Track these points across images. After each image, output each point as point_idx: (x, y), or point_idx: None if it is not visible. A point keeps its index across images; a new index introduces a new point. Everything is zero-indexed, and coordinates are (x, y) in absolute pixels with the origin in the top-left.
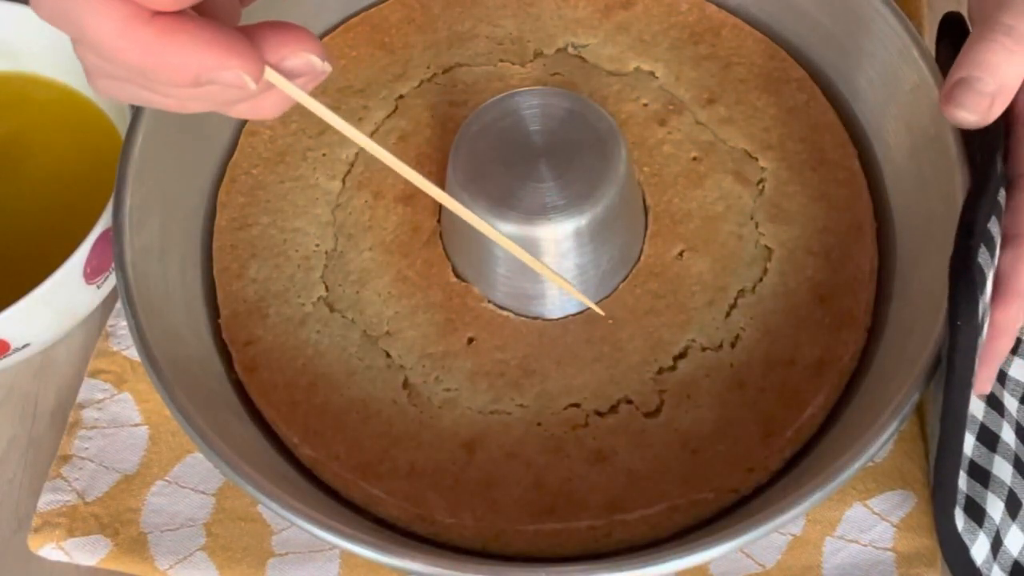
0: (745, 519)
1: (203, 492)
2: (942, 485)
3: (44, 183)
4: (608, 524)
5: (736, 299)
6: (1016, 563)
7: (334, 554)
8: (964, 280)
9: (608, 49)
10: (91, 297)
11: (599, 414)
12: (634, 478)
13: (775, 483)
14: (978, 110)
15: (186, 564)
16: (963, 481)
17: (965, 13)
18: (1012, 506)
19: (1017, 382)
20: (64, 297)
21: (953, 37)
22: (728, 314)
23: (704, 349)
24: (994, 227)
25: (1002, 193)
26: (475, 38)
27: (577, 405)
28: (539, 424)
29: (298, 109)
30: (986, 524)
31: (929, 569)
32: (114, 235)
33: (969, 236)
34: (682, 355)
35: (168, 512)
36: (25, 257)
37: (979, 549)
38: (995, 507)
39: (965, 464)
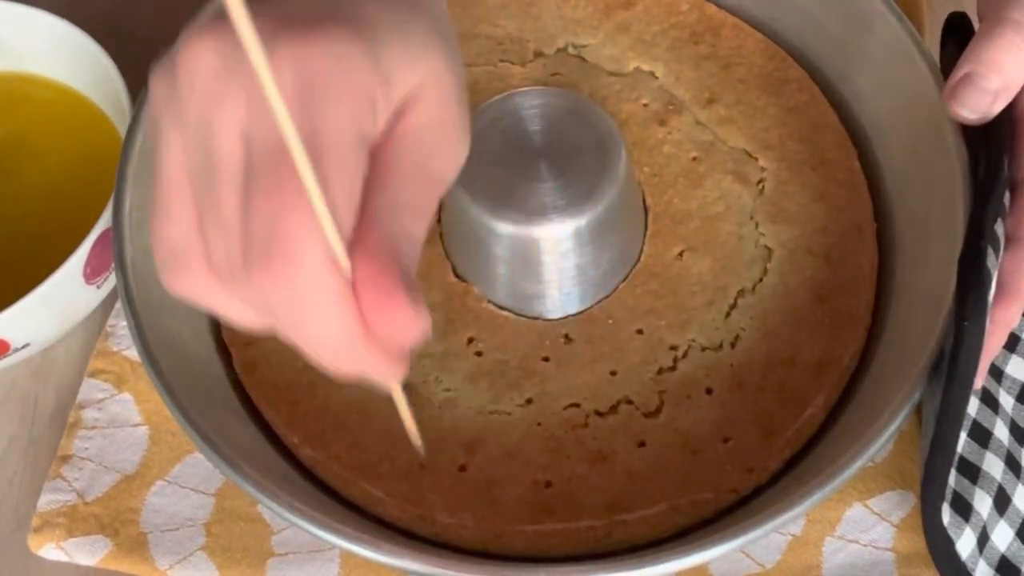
0: (745, 519)
1: (203, 492)
2: (933, 480)
3: (44, 183)
4: (608, 524)
5: (736, 299)
6: (1003, 558)
7: (334, 554)
8: (974, 280)
9: (608, 49)
10: (91, 297)
11: (599, 414)
12: (634, 478)
13: (775, 483)
14: (980, 107)
15: (186, 564)
16: (951, 477)
17: (971, 13)
18: (1000, 502)
19: (1014, 380)
20: (64, 297)
21: (958, 37)
22: (728, 314)
23: (704, 349)
24: (999, 228)
25: (1006, 195)
26: (475, 38)
27: (577, 405)
28: (539, 424)
29: None
30: (972, 519)
31: (929, 569)
32: (114, 235)
33: (979, 237)
34: (682, 355)
35: (168, 512)
36: (25, 257)
37: (964, 543)
38: (983, 503)
39: (954, 460)
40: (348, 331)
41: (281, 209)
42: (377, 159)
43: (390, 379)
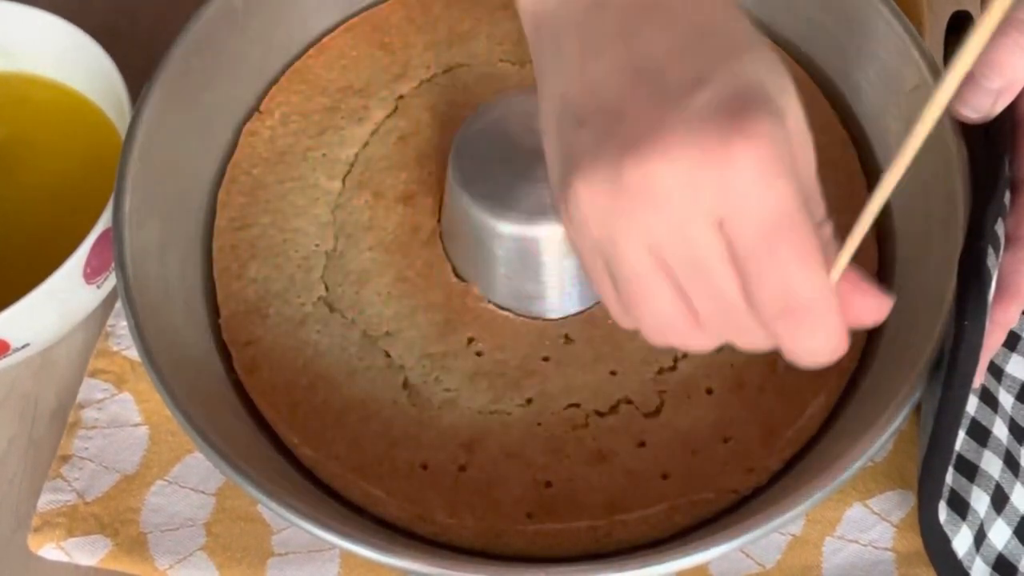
0: (745, 519)
1: (203, 492)
2: (930, 478)
3: (44, 183)
4: (608, 524)
5: None
6: (1000, 556)
7: (334, 554)
8: (974, 281)
9: None
10: (91, 297)
11: (599, 414)
12: (634, 478)
13: (775, 483)
14: (982, 106)
15: (186, 564)
16: (948, 475)
17: (973, 12)
18: (998, 500)
19: (1014, 379)
20: (64, 297)
21: (961, 36)
22: None
23: None
24: (999, 228)
25: (1006, 195)
26: (475, 38)
27: (577, 405)
28: (539, 424)
29: (297, 109)
30: (969, 517)
31: (929, 569)
32: (114, 235)
33: (979, 237)
34: (682, 355)
35: (168, 512)
36: (25, 257)
37: (961, 541)
38: (980, 501)
39: (952, 458)
40: (839, 335)
41: (788, 277)
42: None
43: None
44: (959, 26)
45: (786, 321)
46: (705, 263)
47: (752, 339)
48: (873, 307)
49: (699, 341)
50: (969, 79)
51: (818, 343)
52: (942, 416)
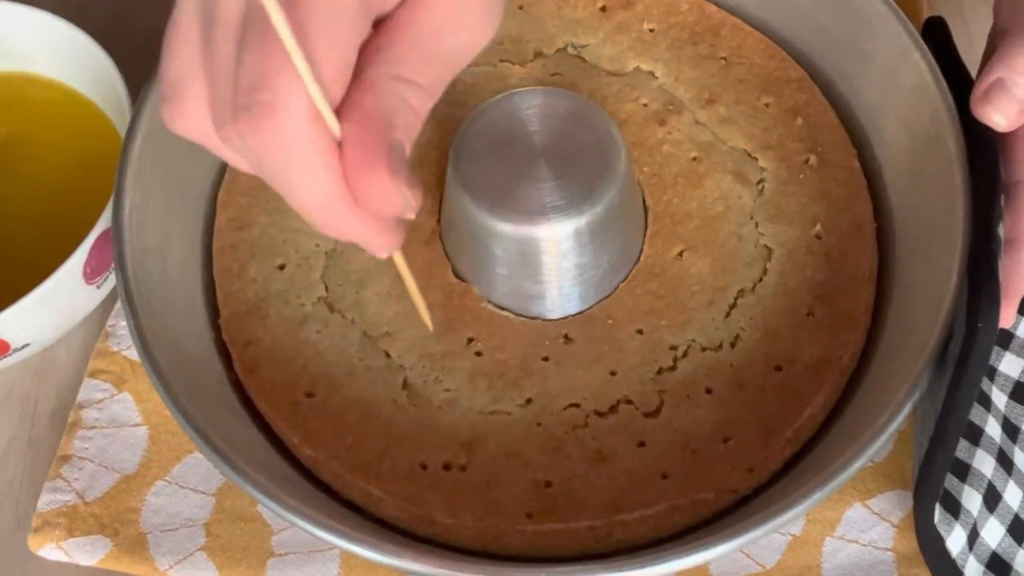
0: (745, 519)
1: (203, 492)
2: (930, 478)
3: (44, 183)
4: (608, 524)
5: (736, 299)
6: (994, 554)
7: (334, 554)
8: (987, 283)
9: (608, 49)
10: (91, 297)
11: (599, 414)
12: (634, 478)
13: (775, 483)
14: (1011, 113)
15: (186, 564)
16: None
17: (965, 15)
18: (991, 499)
19: (1007, 377)
20: (64, 297)
21: (935, 41)
22: (728, 314)
23: (704, 349)
24: (1000, 230)
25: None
26: None
27: (577, 405)
28: (539, 424)
29: None
30: (962, 517)
31: (929, 570)
32: (114, 235)
33: (989, 238)
34: (682, 355)
35: (168, 512)
36: (25, 257)
37: (955, 541)
38: (972, 500)
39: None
40: (331, 188)
41: (268, 62)
42: (384, 27)
43: (377, 248)
44: (933, 31)
45: (250, 111)
46: (217, 13)
47: (233, 144)
48: (376, 185)
49: (207, 133)
50: (1000, 84)
51: (296, 176)
52: (947, 416)
